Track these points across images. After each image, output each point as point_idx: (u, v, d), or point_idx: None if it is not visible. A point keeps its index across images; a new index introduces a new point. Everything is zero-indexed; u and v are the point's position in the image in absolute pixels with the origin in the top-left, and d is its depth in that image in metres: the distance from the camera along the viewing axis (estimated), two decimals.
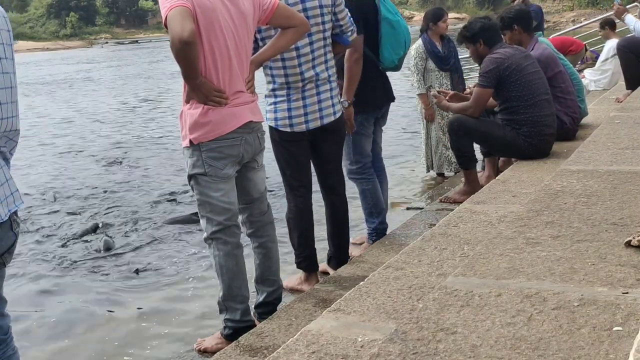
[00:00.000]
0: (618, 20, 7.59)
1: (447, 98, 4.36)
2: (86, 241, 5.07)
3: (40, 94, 18.78)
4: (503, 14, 4.73)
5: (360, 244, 3.98)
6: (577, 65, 8.71)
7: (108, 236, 5.05)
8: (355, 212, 4.22)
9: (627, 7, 9.49)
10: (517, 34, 4.56)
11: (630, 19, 6.28)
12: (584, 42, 10.28)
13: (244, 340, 2.58)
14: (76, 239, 5.16)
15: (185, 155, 2.74)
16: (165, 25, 2.43)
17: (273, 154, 3.33)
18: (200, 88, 2.58)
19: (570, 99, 4.59)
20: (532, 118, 4.03)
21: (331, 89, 3.25)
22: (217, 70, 2.62)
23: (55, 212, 6.02)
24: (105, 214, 5.84)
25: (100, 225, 5.45)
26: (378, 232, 3.84)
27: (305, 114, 3.19)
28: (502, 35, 4.44)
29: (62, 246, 5.03)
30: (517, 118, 4.06)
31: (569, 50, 8.49)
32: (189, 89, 2.63)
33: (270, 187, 4.30)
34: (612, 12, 10.37)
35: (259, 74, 3.04)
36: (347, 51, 3.47)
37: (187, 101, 2.68)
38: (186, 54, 2.41)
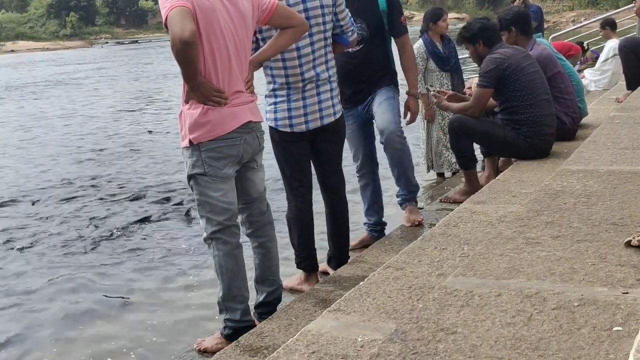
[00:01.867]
0: (619, 20, 7.59)
1: (445, 98, 4.36)
2: (85, 239, 5.08)
3: (39, 93, 18.78)
4: (501, 15, 4.72)
5: (362, 247, 3.97)
6: (577, 66, 8.71)
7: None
8: (355, 212, 4.22)
9: (627, 7, 9.50)
10: (514, 36, 4.55)
11: None
12: (586, 42, 10.29)
13: (244, 340, 2.58)
14: (73, 236, 5.16)
15: (185, 156, 2.74)
16: (166, 26, 2.43)
17: (273, 154, 3.34)
18: (199, 88, 2.58)
19: (569, 99, 4.58)
20: (532, 118, 4.02)
21: (331, 89, 3.25)
22: (216, 70, 2.62)
23: (51, 212, 6.02)
24: (100, 212, 5.85)
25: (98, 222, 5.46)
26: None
27: (305, 114, 3.19)
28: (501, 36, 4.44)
29: (62, 243, 5.04)
30: (517, 118, 4.05)
31: (568, 54, 8.53)
32: (188, 89, 2.63)
33: (269, 187, 4.30)
34: (612, 12, 10.39)
35: (259, 74, 3.04)
36: (405, 49, 3.83)
37: (186, 101, 2.68)
38: (187, 54, 2.41)
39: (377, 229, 4.02)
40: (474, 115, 4.11)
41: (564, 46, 8.70)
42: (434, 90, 4.49)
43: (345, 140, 3.55)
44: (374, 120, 3.83)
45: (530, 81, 4.02)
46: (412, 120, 3.94)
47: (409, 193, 3.88)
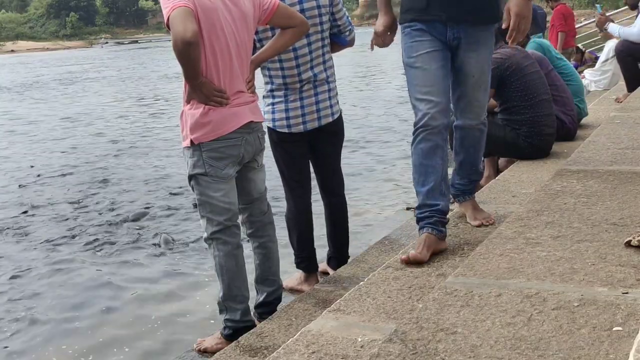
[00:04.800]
0: (619, 21, 7.63)
1: None
2: (81, 240, 5.08)
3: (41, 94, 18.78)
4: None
5: None
6: (577, 67, 8.75)
7: (166, 234, 5.07)
8: (355, 212, 4.22)
9: (615, 12, 9.58)
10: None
11: (613, 27, 6.33)
12: (581, 45, 10.34)
13: (244, 341, 2.58)
14: (73, 235, 5.17)
15: (186, 156, 2.74)
16: (167, 26, 2.44)
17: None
18: (201, 88, 2.58)
19: (565, 96, 4.59)
20: (532, 118, 4.03)
21: (329, 90, 3.25)
22: (218, 70, 2.63)
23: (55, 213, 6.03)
24: (99, 210, 5.85)
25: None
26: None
27: (303, 115, 3.19)
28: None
29: (59, 239, 5.05)
30: (517, 118, 4.06)
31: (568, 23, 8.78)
32: (189, 89, 2.64)
33: (270, 187, 4.30)
34: (612, 13, 10.42)
35: (259, 74, 3.05)
36: None
37: (187, 101, 2.69)
38: (189, 54, 2.41)
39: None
40: None
41: (560, 11, 8.92)
42: None
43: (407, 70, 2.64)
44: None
45: (530, 81, 4.03)
46: (516, 38, 2.51)
47: (470, 182, 2.96)
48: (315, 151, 3.35)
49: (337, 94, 3.34)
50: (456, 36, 2.60)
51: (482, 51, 2.67)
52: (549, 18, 9.15)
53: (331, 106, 3.26)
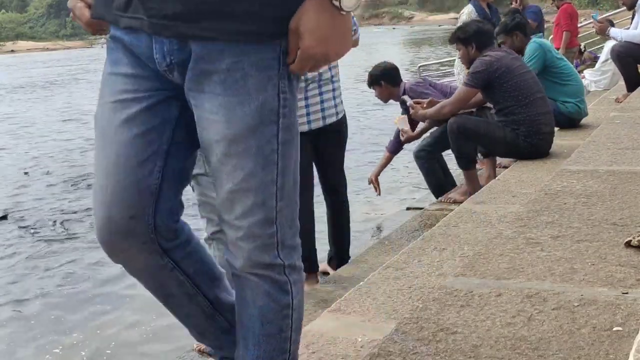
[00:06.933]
0: (619, 21, 7.61)
1: (423, 106, 4.25)
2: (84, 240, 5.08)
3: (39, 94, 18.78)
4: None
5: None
6: (578, 67, 8.75)
7: None
8: (355, 212, 4.22)
9: (616, 12, 9.62)
10: (519, 42, 4.58)
11: (615, 32, 6.29)
12: (582, 44, 10.33)
13: None
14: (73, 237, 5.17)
15: None
16: None
17: None
18: None
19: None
20: (529, 117, 4.03)
21: (333, 89, 3.26)
22: None
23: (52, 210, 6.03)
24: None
25: None
26: None
27: (308, 114, 3.20)
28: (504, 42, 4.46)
29: (59, 238, 5.05)
30: (514, 118, 4.06)
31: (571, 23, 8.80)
32: None
33: None
34: (612, 13, 10.43)
35: None
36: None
37: None
38: None
39: None
40: (451, 113, 4.05)
41: (566, 10, 8.92)
42: (410, 101, 4.34)
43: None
44: None
45: (522, 81, 4.03)
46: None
47: None
48: (318, 151, 3.35)
49: (341, 93, 3.35)
50: (173, 60, 1.21)
51: (233, 99, 1.20)
52: (548, 17, 9.16)
53: (335, 105, 3.27)
